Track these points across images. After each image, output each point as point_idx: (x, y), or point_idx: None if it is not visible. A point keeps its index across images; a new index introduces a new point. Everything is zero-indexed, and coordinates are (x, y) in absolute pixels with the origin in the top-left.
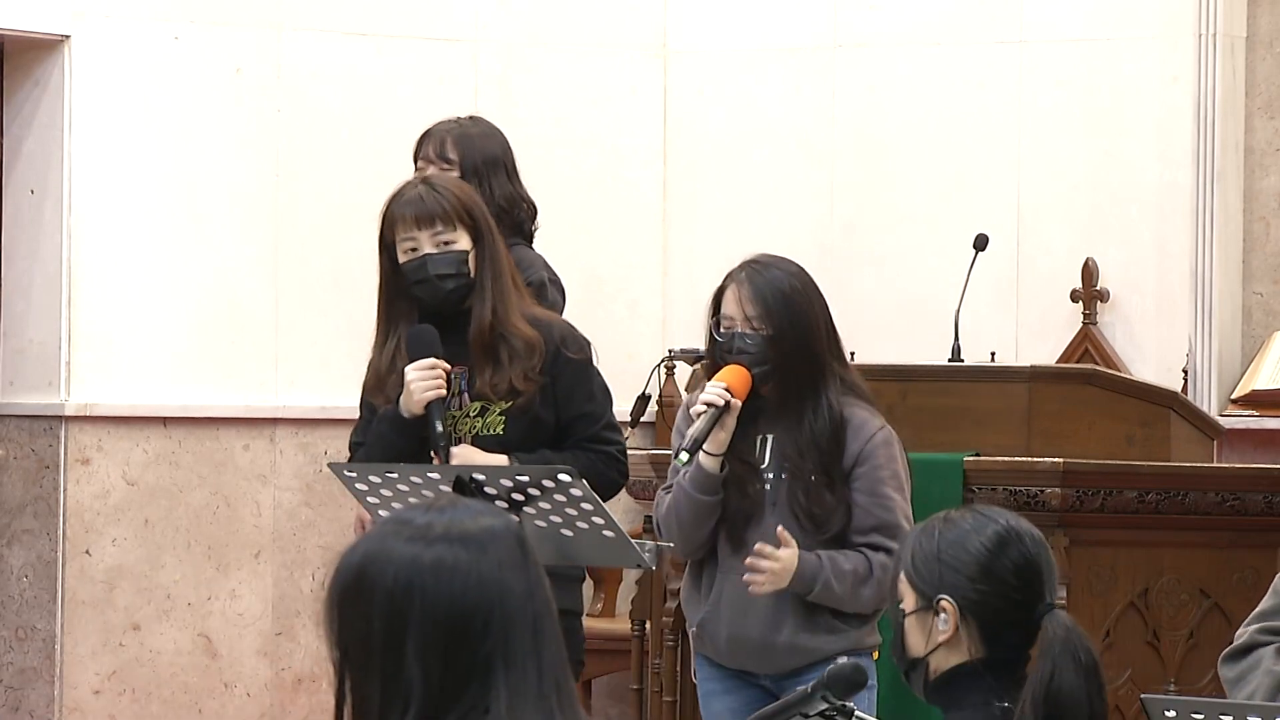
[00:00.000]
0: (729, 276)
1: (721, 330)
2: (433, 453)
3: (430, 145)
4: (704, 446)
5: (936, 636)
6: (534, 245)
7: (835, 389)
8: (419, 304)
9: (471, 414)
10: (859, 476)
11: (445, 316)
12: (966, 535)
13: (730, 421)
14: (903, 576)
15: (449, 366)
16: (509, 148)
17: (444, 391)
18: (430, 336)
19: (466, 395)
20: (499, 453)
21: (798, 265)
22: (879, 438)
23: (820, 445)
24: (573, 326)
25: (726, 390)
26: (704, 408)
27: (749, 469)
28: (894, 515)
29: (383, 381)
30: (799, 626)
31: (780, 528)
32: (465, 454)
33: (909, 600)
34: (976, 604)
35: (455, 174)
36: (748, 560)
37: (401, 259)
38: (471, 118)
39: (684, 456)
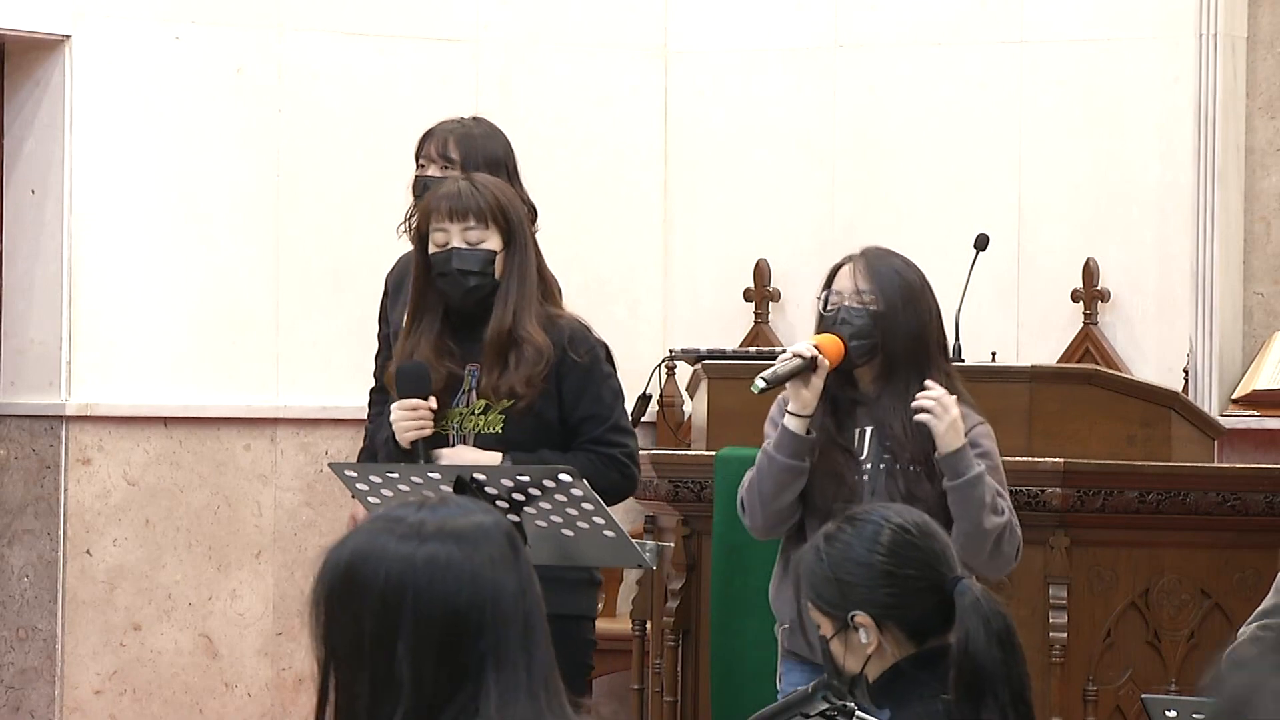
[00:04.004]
0: (846, 257)
1: (829, 305)
2: None
3: (432, 144)
4: (788, 407)
5: (863, 651)
6: None
7: (941, 382)
8: (444, 298)
9: (476, 411)
10: None
11: (467, 313)
12: (855, 548)
13: (816, 382)
14: (810, 604)
15: (433, 406)
16: (511, 149)
17: (427, 431)
18: (418, 375)
19: (474, 393)
20: (497, 450)
21: (914, 262)
22: (981, 429)
23: (923, 432)
24: (586, 329)
25: (816, 349)
26: (790, 355)
27: (848, 458)
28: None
29: None
30: None
31: (928, 382)
32: (458, 453)
33: (825, 626)
34: (888, 607)
35: (456, 174)
36: (919, 400)
37: (431, 250)
38: (475, 118)
39: (759, 384)
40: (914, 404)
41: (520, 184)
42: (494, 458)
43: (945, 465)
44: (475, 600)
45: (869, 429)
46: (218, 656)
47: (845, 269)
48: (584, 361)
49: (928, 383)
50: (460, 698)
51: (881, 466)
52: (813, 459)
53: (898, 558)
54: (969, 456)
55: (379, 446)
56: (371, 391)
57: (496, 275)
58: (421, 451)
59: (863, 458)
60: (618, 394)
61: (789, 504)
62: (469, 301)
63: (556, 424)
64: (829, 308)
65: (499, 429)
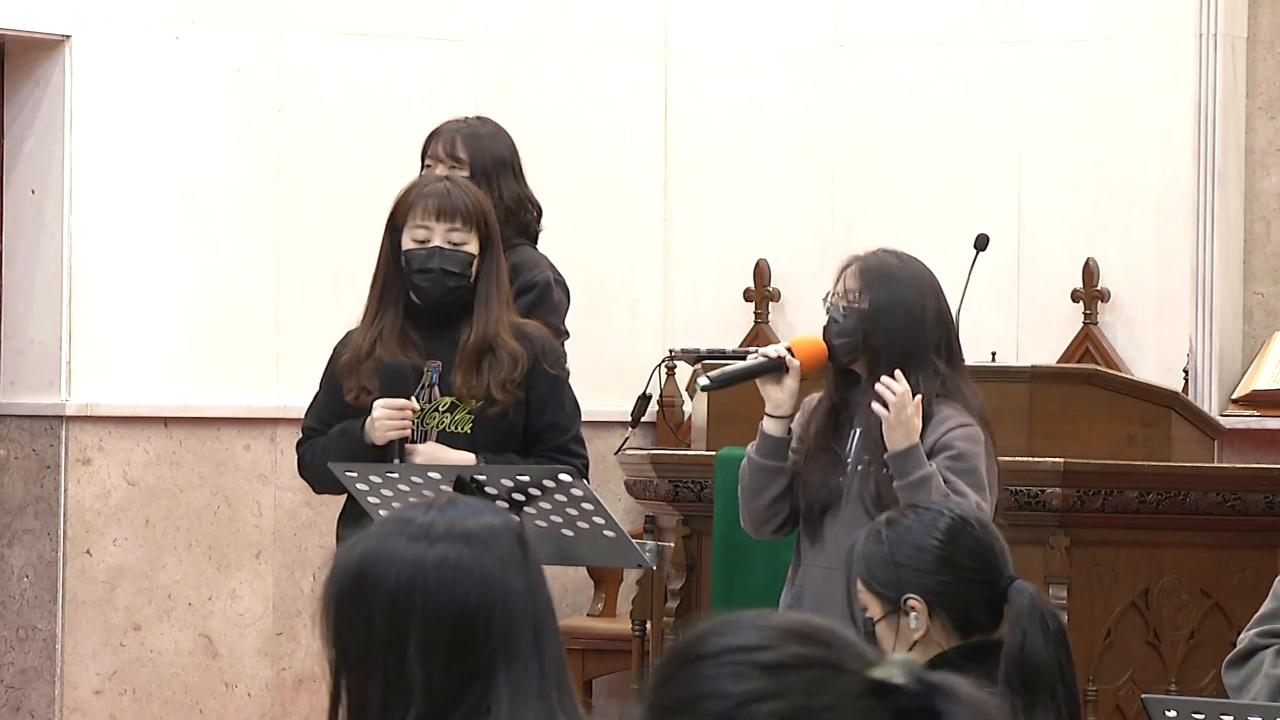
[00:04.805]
0: (851, 258)
1: (829, 306)
2: None
3: (440, 144)
4: (766, 409)
5: (910, 636)
6: (537, 246)
7: (930, 384)
8: (412, 294)
9: (441, 409)
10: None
11: (432, 310)
12: (915, 533)
13: (790, 384)
14: (861, 586)
15: (416, 407)
16: (515, 148)
17: (407, 432)
18: (403, 374)
19: (437, 389)
20: (465, 450)
21: (923, 264)
22: (960, 431)
23: None
24: (552, 339)
25: (788, 351)
26: (758, 356)
27: (834, 459)
28: (966, 500)
29: (359, 364)
30: None
31: (884, 378)
32: (432, 451)
33: (874, 608)
34: (942, 595)
35: (464, 174)
36: (877, 388)
37: (408, 245)
38: (479, 117)
39: (702, 381)
40: (875, 389)
41: (525, 184)
42: (467, 458)
43: (891, 463)
44: (485, 601)
45: (859, 430)
46: (218, 656)
47: (845, 270)
48: (553, 372)
49: (897, 374)
50: (471, 698)
51: (860, 468)
52: (801, 460)
53: (955, 546)
54: (917, 458)
55: (335, 433)
56: None
57: (472, 278)
58: (396, 450)
59: (849, 459)
60: (577, 406)
61: (769, 503)
62: (444, 301)
63: (521, 430)
64: (828, 308)
65: (467, 429)
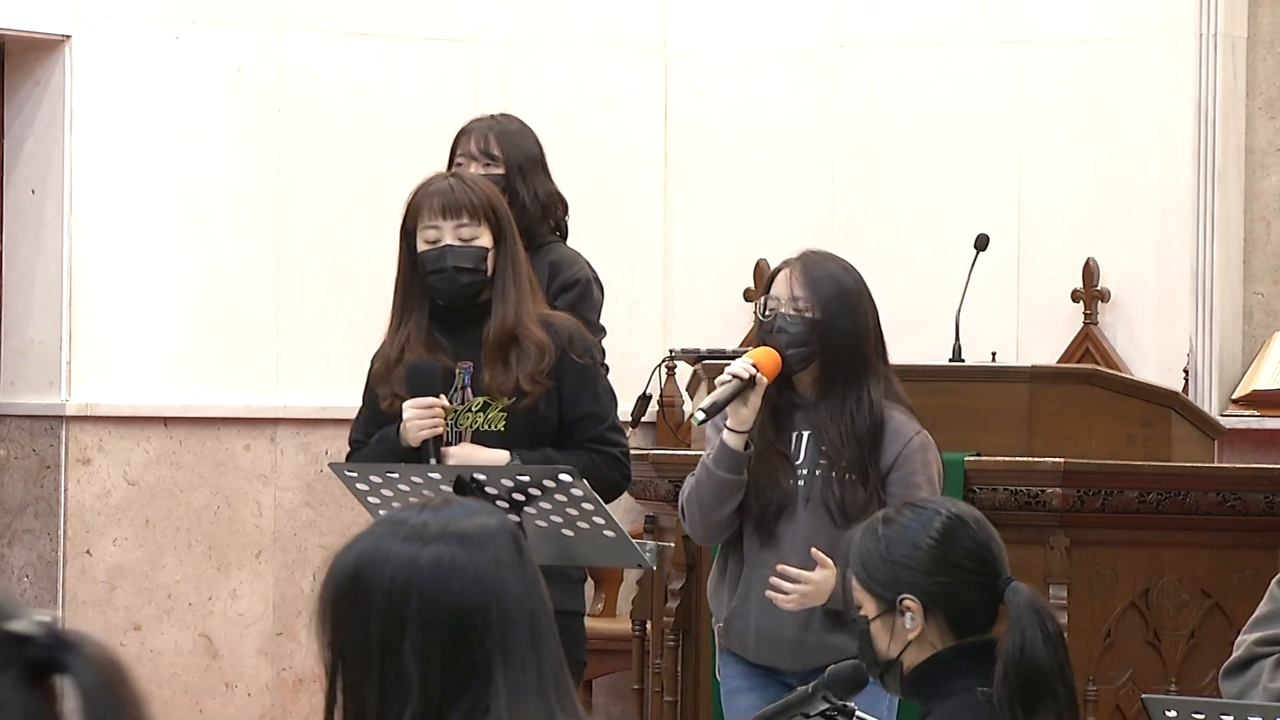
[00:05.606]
0: (784, 262)
1: (766, 311)
2: None
3: (472, 142)
4: (728, 423)
5: (905, 635)
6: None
7: (879, 388)
8: (432, 295)
9: (474, 409)
10: (894, 481)
11: (456, 310)
12: (912, 531)
13: (754, 399)
14: (856, 584)
15: (447, 404)
16: (541, 145)
17: (440, 430)
18: (431, 373)
19: (469, 390)
20: (500, 449)
21: (852, 265)
22: (916, 442)
23: (860, 440)
24: (582, 328)
25: (754, 367)
26: (728, 377)
27: (784, 461)
28: None
29: (390, 371)
30: (830, 624)
31: (814, 549)
32: (464, 452)
33: (869, 607)
34: (938, 595)
35: (499, 171)
36: (771, 579)
37: (421, 247)
38: (504, 115)
39: (699, 415)
40: (766, 594)
41: (551, 179)
42: (502, 456)
43: (831, 605)
44: (480, 601)
45: (806, 434)
46: (218, 656)
47: (782, 275)
48: (583, 362)
49: (780, 569)
50: (469, 698)
51: (817, 473)
52: (750, 465)
53: (951, 545)
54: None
55: (374, 442)
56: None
57: (489, 272)
58: (432, 450)
59: (799, 462)
60: (613, 395)
61: (729, 515)
62: (461, 298)
63: (554, 423)
64: (766, 314)
65: (501, 427)
